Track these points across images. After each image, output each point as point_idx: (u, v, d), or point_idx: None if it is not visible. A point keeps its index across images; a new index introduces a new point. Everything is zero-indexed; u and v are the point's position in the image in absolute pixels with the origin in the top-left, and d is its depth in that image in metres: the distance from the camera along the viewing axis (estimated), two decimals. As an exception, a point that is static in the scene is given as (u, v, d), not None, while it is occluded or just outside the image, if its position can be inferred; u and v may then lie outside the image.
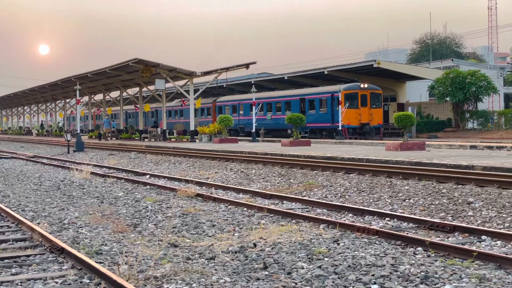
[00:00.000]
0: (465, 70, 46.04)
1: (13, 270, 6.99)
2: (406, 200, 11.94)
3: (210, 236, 8.95)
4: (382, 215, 10.36)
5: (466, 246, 7.73)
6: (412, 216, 10.11)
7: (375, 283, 6.20)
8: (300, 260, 7.26)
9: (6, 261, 7.41)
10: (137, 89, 49.12)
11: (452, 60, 63.83)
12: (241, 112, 49.71)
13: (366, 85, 41.02)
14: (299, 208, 11.63)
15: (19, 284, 6.41)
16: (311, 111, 42.65)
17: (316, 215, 10.63)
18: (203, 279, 6.43)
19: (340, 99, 39.36)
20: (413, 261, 7.08)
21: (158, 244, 8.17)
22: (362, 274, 6.52)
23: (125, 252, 7.70)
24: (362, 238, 8.55)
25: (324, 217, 10.19)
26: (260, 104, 46.61)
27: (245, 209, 11.50)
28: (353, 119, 40.00)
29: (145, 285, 6.25)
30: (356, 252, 7.60)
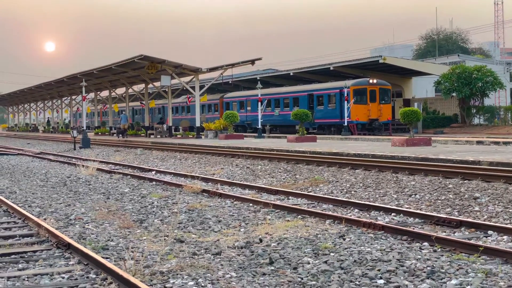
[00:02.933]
0: (471, 66, 45.85)
1: (20, 266, 7.03)
2: (412, 196, 11.92)
3: (216, 232, 8.96)
4: (388, 211, 10.35)
5: (472, 241, 7.71)
6: (418, 211, 10.09)
7: (381, 278, 6.19)
8: (306, 255, 7.26)
9: (13, 256, 7.44)
10: (143, 85, 49.17)
11: (458, 55, 63.61)
12: (249, 108, 49.53)
13: (375, 81, 40.74)
14: (305, 204, 11.62)
15: (26, 279, 6.44)
16: (320, 107, 42.51)
17: (322, 210, 10.62)
18: (209, 274, 6.44)
19: (346, 95, 39.22)
20: (419, 256, 7.07)
21: (164, 239, 8.18)
22: (368, 269, 6.51)
23: (131, 248, 7.71)
24: (368, 233, 8.54)
25: (330, 213, 10.19)
26: (267, 100, 46.48)
27: (251, 204, 11.50)
28: (362, 115, 39.77)
29: (151, 280, 6.26)
30: (362, 247, 7.59)
